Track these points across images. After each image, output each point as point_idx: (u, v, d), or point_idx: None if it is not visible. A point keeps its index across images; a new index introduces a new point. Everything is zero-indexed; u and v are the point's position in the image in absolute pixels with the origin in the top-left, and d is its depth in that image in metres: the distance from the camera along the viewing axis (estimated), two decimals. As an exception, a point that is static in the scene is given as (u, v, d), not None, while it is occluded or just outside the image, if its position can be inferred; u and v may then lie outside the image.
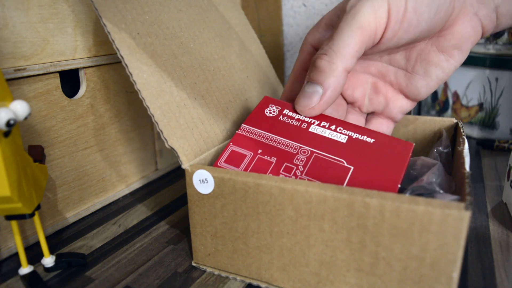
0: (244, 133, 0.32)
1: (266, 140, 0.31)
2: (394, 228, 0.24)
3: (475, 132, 0.62)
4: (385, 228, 0.24)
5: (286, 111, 0.32)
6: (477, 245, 0.34)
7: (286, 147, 0.30)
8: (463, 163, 0.28)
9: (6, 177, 0.24)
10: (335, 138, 0.30)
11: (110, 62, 0.41)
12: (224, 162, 0.31)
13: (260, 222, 0.28)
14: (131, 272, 0.32)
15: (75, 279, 0.31)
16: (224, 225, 0.29)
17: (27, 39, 0.34)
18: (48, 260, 0.31)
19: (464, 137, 0.33)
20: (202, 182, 0.29)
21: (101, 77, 0.41)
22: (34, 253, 0.35)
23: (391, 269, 0.25)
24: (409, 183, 0.33)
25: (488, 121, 0.60)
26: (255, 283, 0.30)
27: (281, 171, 0.29)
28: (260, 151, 0.30)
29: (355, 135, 0.30)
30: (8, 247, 0.34)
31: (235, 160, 0.30)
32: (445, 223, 0.22)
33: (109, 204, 0.44)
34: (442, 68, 0.32)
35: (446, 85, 0.65)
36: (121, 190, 0.45)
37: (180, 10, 0.38)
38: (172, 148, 0.30)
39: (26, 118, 0.25)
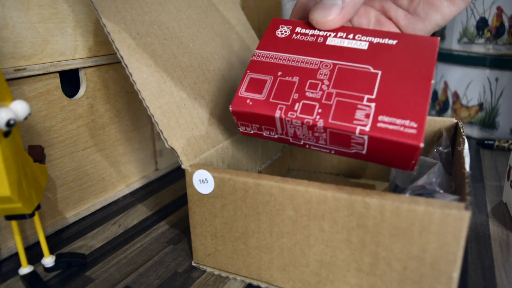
0: (259, 59, 0.30)
1: (284, 61, 0.29)
2: (394, 228, 0.24)
3: (475, 132, 0.62)
4: (385, 228, 0.24)
5: (298, 29, 0.31)
6: (477, 245, 0.34)
7: (306, 64, 0.29)
8: (463, 163, 0.28)
9: (6, 177, 0.24)
10: (355, 46, 0.29)
11: (110, 62, 0.41)
12: (245, 91, 0.29)
13: (260, 222, 0.28)
14: (131, 272, 0.32)
15: (75, 279, 0.31)
16: (224, 225, 0.29)
17: (27, 39, 0.34)
18: (48, 260, 0.31)
19: (464, 137, 0.33)
20: (202, 182, 0.29)
21: (101, 77, 0.41)
22: (34, 253, 0.35)
23: (391, 269, 0.25)
24: (409, 183, 0.33)
25: (488, 121, 0.60)
26: (255, 283, 0.30)
27: (306, 89, 0.28)
28: (279, 73, 0.29)
29: (375, 40, 0.29)
30: (8, 247, 0.34)
31: (255, 87, 0.29)
32: (445, 223, 0.22)
33: (109, 204, 0.44)
34: (443, 13, 0.32)
35: (446, 85, 0.65)
36: (121, 190, 0.45)
37: (180, 10, 0.38)
38: (172, 148, 0.30)
39: (26, 118, 0.25)
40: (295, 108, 0.27)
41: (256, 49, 0.31)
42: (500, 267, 0.31)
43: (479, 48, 0.59)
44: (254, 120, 0.29)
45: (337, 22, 0.29)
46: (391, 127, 0.24)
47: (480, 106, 0.61)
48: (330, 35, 0.30)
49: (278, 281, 0.29)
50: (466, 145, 0.31)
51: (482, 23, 0.58)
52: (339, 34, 0.30)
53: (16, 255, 0.35)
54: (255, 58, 0.30)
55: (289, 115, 0.27)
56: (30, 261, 0.33)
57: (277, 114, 0.27)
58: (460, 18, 0.60)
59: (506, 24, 0.56)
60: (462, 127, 0.36)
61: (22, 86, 0.34)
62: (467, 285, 0.29)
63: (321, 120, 0.26)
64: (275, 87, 0.28)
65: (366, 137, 0.25)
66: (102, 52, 0.41)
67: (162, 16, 0.35)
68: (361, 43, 0.29)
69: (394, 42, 0.28)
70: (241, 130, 0.31)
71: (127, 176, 0.46)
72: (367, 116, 0.25)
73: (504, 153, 0.56)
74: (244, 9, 0.74)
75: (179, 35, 0.36)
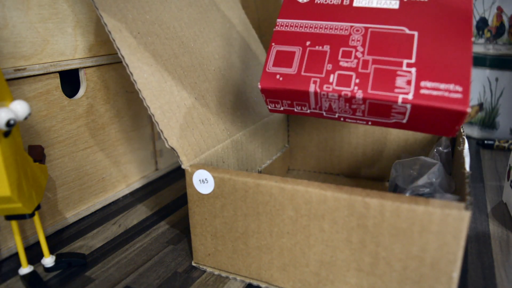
0: (283, 29, 0.28)
1: (310, 29, 0.27)
2: (394, 228, 0.24)
3: (475, 132, 0.62)
4: (385, 228, 0.24)
5: None
6: (477, 245, 0.34)
7: (336, 31, 0.27)
8: (463, 163, 0.28)
9: (6, 177, 0.24)
10: (385, 6, 0.26)
11: (110, 62, 0.41)
12: (273, 66, 0.27)
13: (260, 222, 0.28)
14: (131, 272, 0.32)
15: (75, 279, 0.31)
16: (224, 225, 0.29)
17: (27, 39, 0.34)
18: (48, 260, 0.31)
19: (464, 137, 0.33)
20: (202, 182, 0.29)
21: (101, 77, 0.41)
22: (34, 253, 0.35)
23: (391, 269, 0.25)
24: (409, 183, 0.33)
25: (488, 121, 0.60)
26: (255, 283, 0.30)
27: (339, 58, 0.26)
28: (308, 42, 0.27)
29: None
30: (8, 247, 0.34)
31: (284, 60, 0.27)
32: (445, 223, 0.22)
33: (109, 204, 0.44)
34: None
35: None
36: (121, 190, 0.45)
37: (181, 10, 0.38)
38: (172, 148, 0.30)
39: (26, 118, 0.25)
40: (330, 80, 0.25)
41: (278, 18, 0.28)
42: (500, 267, 0.31)
43: (479, 48, 0.59)
44: (285, 96, 0.27)
45: None
46: (435, 93, 0.23)
47: (480, 106, 0.61)
48: None
49: (278, 281, 0.29)
50: (466, 145, 0.31)
51: (482, 23, 0.58)
52: None
53: (16, 255, 0.34)
54: (278, 29, 0.28)
55: (324, 88, 0.25)
56: (30, 261, 0.33)
57: (312, 88, 0.25)
58: (460, 18, 0.60)
59: (506, 24, 0.56)
60: (462, 127, 0.36)
61: (22, 86, 0.34)
62: (467, 285, 0.29)
63: (360, 91, 0.24)
64: (305, 59, 0.26)
65: (409, 106, 0.24)
66: (102, 52, 0.41)
67: (163, 15, 0.35)
68: (391, 2, 0.26)
69: None
70: (269, 107, 0.29)
71: (127, 176, 0.46)
72: (409, 82, 0.24)
73: (504, 153, 0.56)
74: (244, 8, 0.74)
75: (180, 35, 0.36)
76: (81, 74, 0.39)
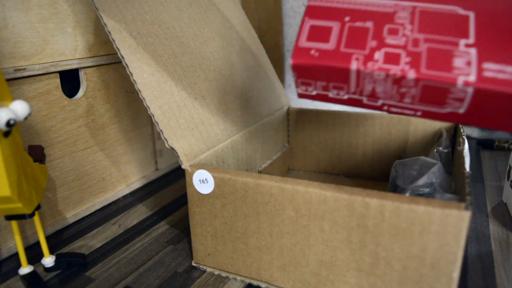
0: (317, 3, 0.24)
1: (349, 4, 0.24)
2: (394, 228, 0.24)
3: (475, 132, 0.62)
4: (385, 228, 0.24)
5: None
6: (477, 245, 0.34)
7: (378, 8, 0.23)
8: (463, 163, 0.28)
9: (6, 177, 0.24)
10: None
11: (110, 62, 0.41)
12: (306, 41, 0.23)
13: (260, 222, 0.28)
14: (131, 272, 0.32)
15: (75, 279, 0.31)
16: (224, 225, 0.29)
17: (27, 39, 0.34)
18: (48, 260, 0.31)
19: (464, 137, 0.33)
20: (202, 182, 0.29)
21: (101, 77, 0.41)
22: (34, 253, 0.35)
23: (391, 269, 0.25)
24: (409, 183, 0.33)
25: (488, 121, 0.60)
26: (255, 283, 0.30)
27: (385, 35, 0.22)
28: (347, 18, 0.23)
29: None
30: (8, 247, 0.34)
31: (319, 35, 0.23)
32: (445, 223, 0.22)
33: (109, 204, 0.44)
34: None
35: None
36: (121, 190, 0.45)
37: (181, 10, 0.38)
38: (172, 148, 0.30)
39: (26, 118, 0.25)
40: (375, 57, 0.22)
41: None
42: (500, 267, 0.31)
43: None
44: (321, 75, 0.23)
45: None
46: (501, 76, 0.20)
47: (480, 106, 0.60)
48: None
49: (278, 281, 0.29)
50: (466, 145, 0.31)
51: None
52: None
53: (16, 255, 0.35)
54: (311, 3, 0.24)
55: (369, 66, 0.21)
56: (30, 261, 0.33)
57: (353, 65, 0.22)
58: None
59: (506, 24, 0.56)
60: (462, 127, 0.36)
61: (22, 86, 0.34)
62: (467, 285, 0.29)
63: (412, 71, 0.21)
64: (344, 35, 0.23)
65: (470, 90, 0.20)
66: (102, 52, 0.41)
67: (163, 16, 0.35)
68: None
69: None
70: (299, 91, 0.25)
71: (127, 176, 0.46)
72: (469, 64, 0.20)
73: (504, 153, 0.56)
74: (244, 8, 0.74)
75: (179, 35, 0.36)
76: (81, 74, 0.39)
